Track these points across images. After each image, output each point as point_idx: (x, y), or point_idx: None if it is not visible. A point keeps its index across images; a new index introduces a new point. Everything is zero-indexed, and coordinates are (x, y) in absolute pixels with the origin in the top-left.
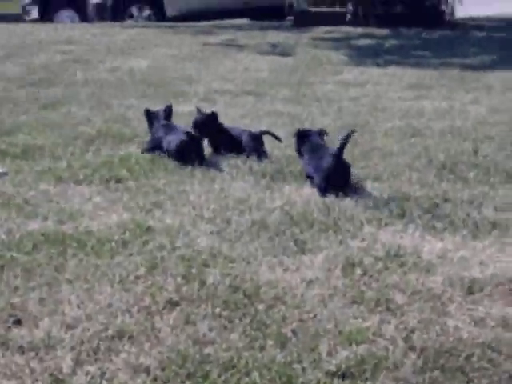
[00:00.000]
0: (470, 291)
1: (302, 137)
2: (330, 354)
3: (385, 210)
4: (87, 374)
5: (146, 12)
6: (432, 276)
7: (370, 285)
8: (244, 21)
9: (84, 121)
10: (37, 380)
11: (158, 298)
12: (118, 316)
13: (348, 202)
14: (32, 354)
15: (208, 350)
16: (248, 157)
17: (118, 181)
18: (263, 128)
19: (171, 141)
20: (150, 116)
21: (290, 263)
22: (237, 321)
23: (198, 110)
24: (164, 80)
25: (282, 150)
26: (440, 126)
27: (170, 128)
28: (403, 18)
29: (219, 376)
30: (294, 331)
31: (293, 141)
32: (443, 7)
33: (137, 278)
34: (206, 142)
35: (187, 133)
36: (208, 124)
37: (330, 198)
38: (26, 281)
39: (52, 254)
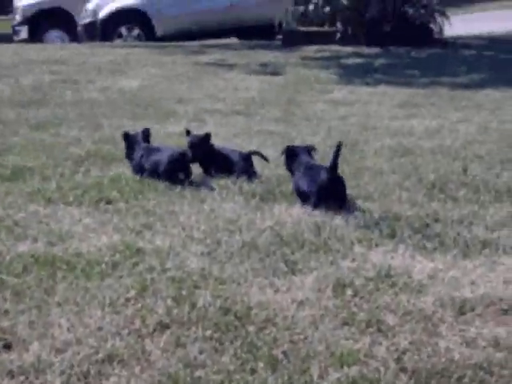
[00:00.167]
0: (461, 311)
1: (291, 154)
2: (321, 376)
3: (375, 229)
4: None
5: (136, 32)
6: (423, 296)
7: (361, 306)
8: (233, 40)
9: (74, 141)
10: None
11: (149, 321)
12: (108, 339)
13: (338, 222)
14: (22, 378)
15: (199, 372)
16: (238, 177)
17: (108, 202)
18: (253, 148)
19: (158, 161)
20: (129, 139)
21: (280, 284)
22: (227, 343)
23: (188, 132)
24: (154, 100)
25: (271, 170)
26: (430, 144)
27: (152, 150)
28: (392, 37)
29: None
30: (285, 353)
31: (282, 160)
32: (432, 26)
33: (127, 300)
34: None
35: (173, 151)
36: (202, 145)
37: (321, 218)
38: (15, 304)
39: (42, 276)
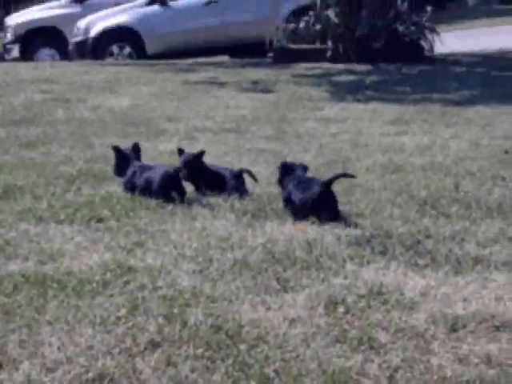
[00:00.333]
0: (454, 328)
1: (286, 169)
2: None
3: (367, 247)
4: None
5: (127, 50)
6: (415, 313)
7: (353, 323)
8: (224, 58)
9: (65, 160)
10: None
11: (140, 340)
12: (99, 358)
13: (330, 239)
14: None
15: None
16: (229, 195)
17: (100, 220)
18: (244, 166)
19: (150, 179)
20: (120, 153)
21: (272, 302)
22: (219, 361)
23: (180, 151)
24: (145, 118)
25: (263, 187)
26: (421, 161)
27: (144, 168)
28: (383, 54)
29: None
30: (276, 371)
31: (274, 178)
32: (422, 43)
33: (118, 319)
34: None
35: (167, 169)
36: (195, 163)
37: (312, 235)
38: (5, 323)
39: (32, 295)
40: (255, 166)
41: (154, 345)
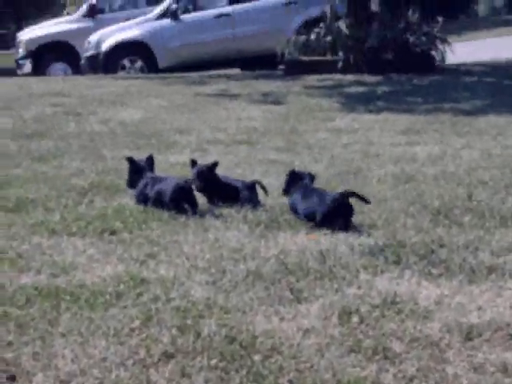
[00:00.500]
0: (469, 337)
1: (295, 177)
2: None
3: (380, 256)
4: None
5: (139, 64)
6: (429, 322)
7: (368, 333)
8: (235, 70)
9: (77, 173)
10: None
11: (153, 351)
12: (113, 370)
13: (343, 249)
14: None
15: None
16: (242, 206)
17: (112, 233)
18: (255, 177)
19: (163, 190)
20: (134, 165)
21: (285, 312)
22: (233, 372)
23: (194, 162)
24: (156, 131)
25: (275, 198)
26: (433, 171)
27: (156, 179)
28: (394, 65)
29: None
30: (291, 382)
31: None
32: (433, 53)
33: (131, 330)
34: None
35: (179, 180)
36: (209, 174)
37: (325, 246)
38: (19, 335)
39: (45, 307)
40: (267, 178)
41: (167, 356)
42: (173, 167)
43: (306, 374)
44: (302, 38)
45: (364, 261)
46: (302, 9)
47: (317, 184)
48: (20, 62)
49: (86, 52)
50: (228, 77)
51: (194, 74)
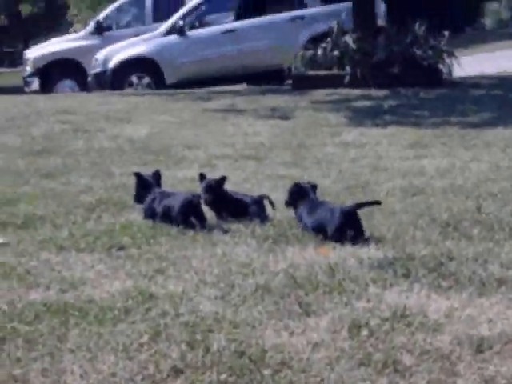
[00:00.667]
0: (479, 350)
1: (298, 189)
2: None
3: (390, 269)
4: None
5: (146, 80)
6: (440, 335)
7: (377, 346)
8: (243, 86)
9: (85, 189)
10: None
11: (162, 366)
12: None
13: (352, 263)
14: None
15: None
16: (250, 221)
17: (120, 248)
18: (263, 192)
19: (171, 205)
20: (141, 180)
21: (295, 326)
22: None
23: (202, 176)
24: (164, 147)
25: (283, 212)
26: (441, 184)
27: (164, 194)
28: (401, 79)
29: None
30: None
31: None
32: (440, 67)
33: (140, 345)
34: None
35: (187, 195)
36: (217, 188)
37: (334, 259)
38: (27, 351)
39: (54, 323)
40: (275, 192)
41: (177, 371)
42: (181, 183)
43: None
44: (309, 52)
45: (373, 274)
46: (309, 24)
47: (326, 199)
48: (27, 79)
49: (94, 69)
50: (235, 92)
51: (201, 90)
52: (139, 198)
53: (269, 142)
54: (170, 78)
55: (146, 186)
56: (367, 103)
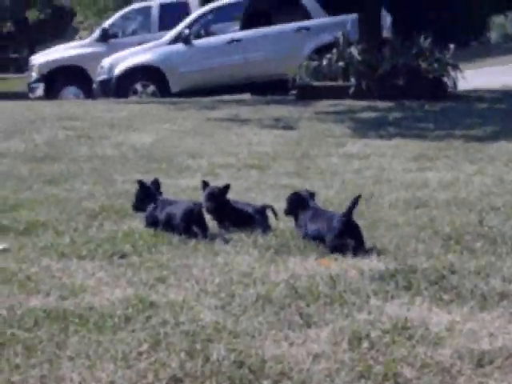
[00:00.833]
0: (480, 364)
1: (297, 198)
2: None
3: (391, 282)
4: None
5: (151, 88)
6: (440, 349)
7: (378, 358)
8: (247, 96)
9: (87, 196)
10: None
11: (162, 375)
12: None
13: (354, 275)
14: None
15: None
16: (252, 230)
17: (122, 256)
18: (266, 202)
19: (173, 214)
20: (144, 188)
21: (295, 337)
22: None
23: (205, 184)
24: (167, 155)
25: (286, 222)
26: (445, 197)
27: (166, 202)
28: (406, 91)
29: None
30: None
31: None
32: (445, 79)
33: (140, 354)
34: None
35: (189, 204)
36: (220, 196)
37: (336, 271)
38: (26, 358)
39: (53, 330)
40: (278, 202)
41: (176, 380)
42: (184, 191)
43: None
44: (314, 63)
45: (374, 286)
46: (314, 35)
47: (328, 209)
48: (32, 85)
49: (99, 76)
50: (239, 102)
51: (206, 99)
52: (139, 207)
53: (272, 152)
54: (174, 87)
55: (148, 194)
56: (372, 115)
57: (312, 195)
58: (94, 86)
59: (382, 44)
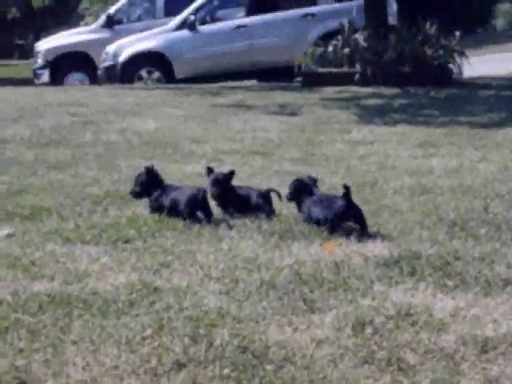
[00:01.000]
0: (484, 350)
1: (300, 184)
2: None
3: (395, 268)
4: None
5: (156, 75)
6: (444, 335)
7: (381, 344)
8: (252, 82)
9: (92, 182)
10: None
11: (165, 360)
12: (124, 378)
13: (358, 261)
14: None
15: None
16: (256, 215)
17: (126, 241)
18: (270, 187)
19: (177, 199)
20: (152, 175)
21: (299, 323)
22: (245, 382)
23: (210, 170)
24: (172, 141)
25: (289, 208)
26: (450, 183)
27: (171, 188)
28: (411, 78)
29: None
30: None
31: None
32: (451, 66)
33: (143, 339)
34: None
35: (194, 189)
36: (225, 182)
37: (340, 257)
38: (30, 342)
39: (57, 315)
40: (282, 188)
41: (179, 365)
42: (188, 177)
43: None
44: (320, 50)
45: (378, 272)
46: (320, 21)
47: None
48: (38, 71)
49: (104, 62)
50: (245, 88)
51: (211, 85)
52: (142, 193)
53: (277, 139)
54: (179, 73)
55: (153, 181)
56: (377, 101)
57: (315, 181)
58: (99, 72)
59: (387, 30)
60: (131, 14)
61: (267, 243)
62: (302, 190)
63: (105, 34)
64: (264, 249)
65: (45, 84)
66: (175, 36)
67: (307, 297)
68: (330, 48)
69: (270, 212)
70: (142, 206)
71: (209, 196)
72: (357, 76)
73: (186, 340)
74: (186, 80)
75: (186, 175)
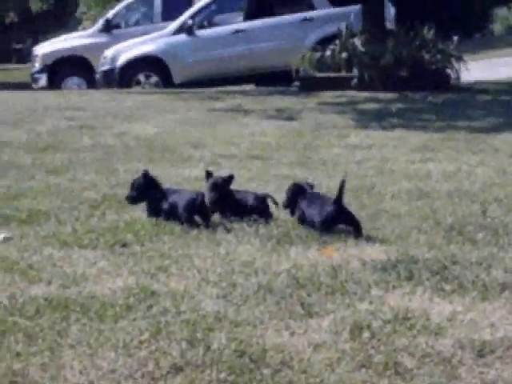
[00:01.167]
0: (481, 354)
1: (297, 189)
2: None
3: (393, 272)
4: None
5: (154, 79)
6: (441, 339)
7: (379, 348)
8: (250, 86)
9: (89, 186)
10: None
11: (162, 363)
12: (122, 382)
13: (355, 265)
14: None
15: None
16: (254, 219)
17: (123, 245)
18: (268, 192)
19: (176, 203)
20: (149, 180)
21: (296, 327)
22: None
23: (208, 173)
24: (170, 145)
25: (287, 213)
26: (447, 188)
27: (169, 192)
28: (409, 82)
29: None
30: None
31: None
32: (448, 71)
33: (140, 342)
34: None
35: (192, 193)
36: (224, 186)
37: (337, 261)
38: (27, 346)
39: (55, 318)
40: (280, 193)
41: (176, 369)
42: (186, 181)
43: None
44: (317, 54)
45: (376, 276)
46: (318, 26)
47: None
48: (35, 75)
49: (102, 66)
50: (243, 92)
51: (209, 90)
52: (138, 198)
53: (275, 143)
54: (177, 78)
55: (150, 185)
56: (374, 106)
57: (311, 187)
58: (97, 76)
59: (385, 35)
60: (129, 19)
61: (265, 247)
62: (298, 194)
63: (103, 38)
64: (261, 253)
65: (43, 88)
66: (173, 40)
67: (304, 301)
68: (328, 52)
69: (268, 216)
70: (139, 211)
71: (207, 201)
72: (354, 80)
73: (184, 344)
74: (183, 84)
75: (184, 179)
